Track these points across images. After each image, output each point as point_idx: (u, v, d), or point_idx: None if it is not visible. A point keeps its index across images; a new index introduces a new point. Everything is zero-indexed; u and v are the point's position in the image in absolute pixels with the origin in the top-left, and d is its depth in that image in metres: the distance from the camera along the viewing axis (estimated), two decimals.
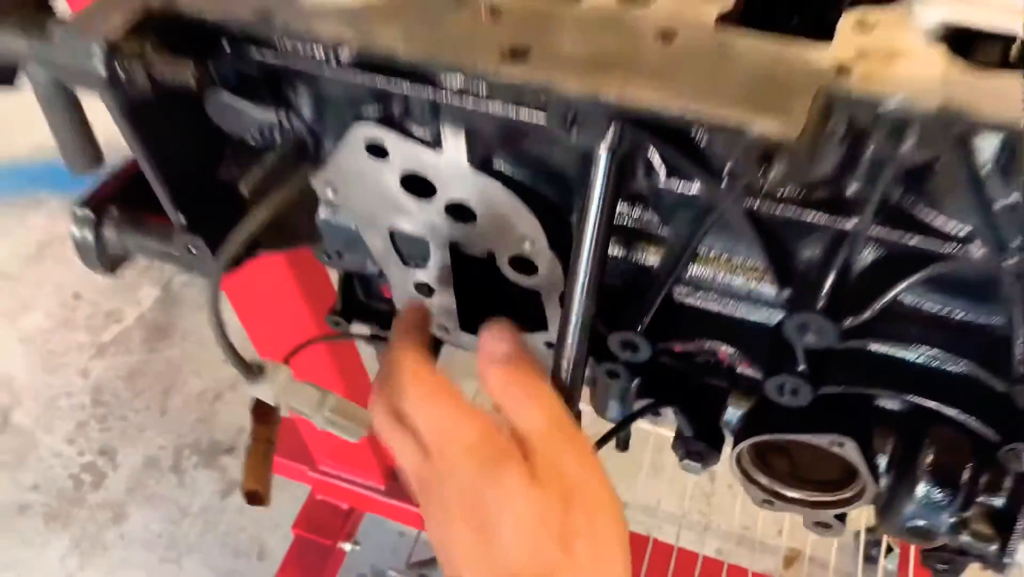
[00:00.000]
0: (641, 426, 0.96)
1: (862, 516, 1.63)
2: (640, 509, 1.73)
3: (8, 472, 1.82)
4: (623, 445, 0.89)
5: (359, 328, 0.81)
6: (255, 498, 0.69)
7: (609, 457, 1.21)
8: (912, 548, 1.50)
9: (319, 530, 1.53)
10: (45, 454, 1.84)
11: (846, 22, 0.44)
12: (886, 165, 0.44)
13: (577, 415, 0.56)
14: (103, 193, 0.64)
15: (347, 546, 1.55)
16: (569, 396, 0.54)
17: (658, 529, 1.52)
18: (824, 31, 0.44)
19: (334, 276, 0.86)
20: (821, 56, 0.42)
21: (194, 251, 0.60)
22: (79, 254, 0.64)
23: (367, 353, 1.17)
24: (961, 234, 0.47)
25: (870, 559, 1.63)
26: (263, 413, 0.71)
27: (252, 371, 0.53)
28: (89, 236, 0.62)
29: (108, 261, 0.64)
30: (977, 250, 0.46)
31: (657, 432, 1.67)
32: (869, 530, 1.64)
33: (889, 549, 1.59)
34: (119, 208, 0.63)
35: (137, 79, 0.47)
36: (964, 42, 0.43)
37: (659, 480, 1.75)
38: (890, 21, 0.44)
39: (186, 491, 1.79)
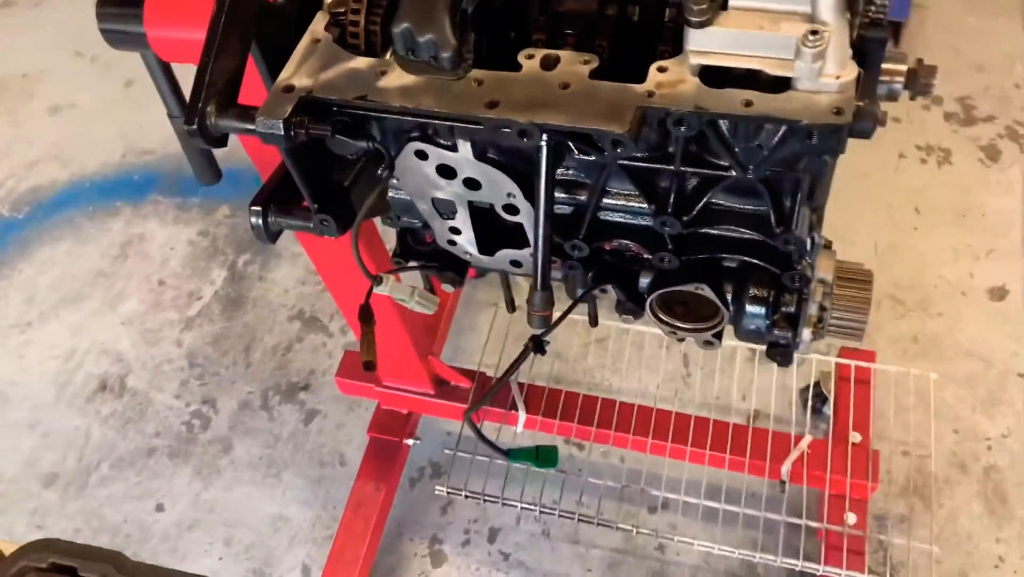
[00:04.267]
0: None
1: (811, 376, 2.08)
2: (636, 393, 2.20)
3: (133, 425, 2.29)
4: (593, 321, 1.35)
5: (411, 263, 1.27)
6: (370, 366, 1.13)
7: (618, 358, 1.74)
8: (851, 398, 1.96)
9: (388, 431, 2.00)
10: (160, 408, 2.31)
11: (652, 69, 0.88)
12: (678, 137, 0.88)
13: (550, 294, 1.01)
14: (261, 197, 1.09)
15: (410, 441, 2.03)
16: (545, 284, 0.99)
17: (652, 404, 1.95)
18: (642, 75, 0.88)
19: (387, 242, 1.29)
20: (639, 89, 0.87)
21: (324, 223, 1.05)
22: (255, 234, 1.08)
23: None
24: (725, 164, 0.91)
25: (815, 410, 2.09)
26: (366, 316, 1.15)
27: (377, 280, 0.99)
28: (260, 222, 1.07)
29: (272, 236, 1.08)
30: (734, 172, 0.91)
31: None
32: (816, 384, 2.08)
33: (824, 399, 2.05)
34: (274, 204, 1.08)
35: (299, 136, 0.92)
36: (712, 72, 0.87)
37: (649, 372, 2.22)
38: (675, 66, 0.88)
39: (275, 423, 2.26)
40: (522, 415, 1.86)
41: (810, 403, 2.07)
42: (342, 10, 0.99)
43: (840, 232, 2.43)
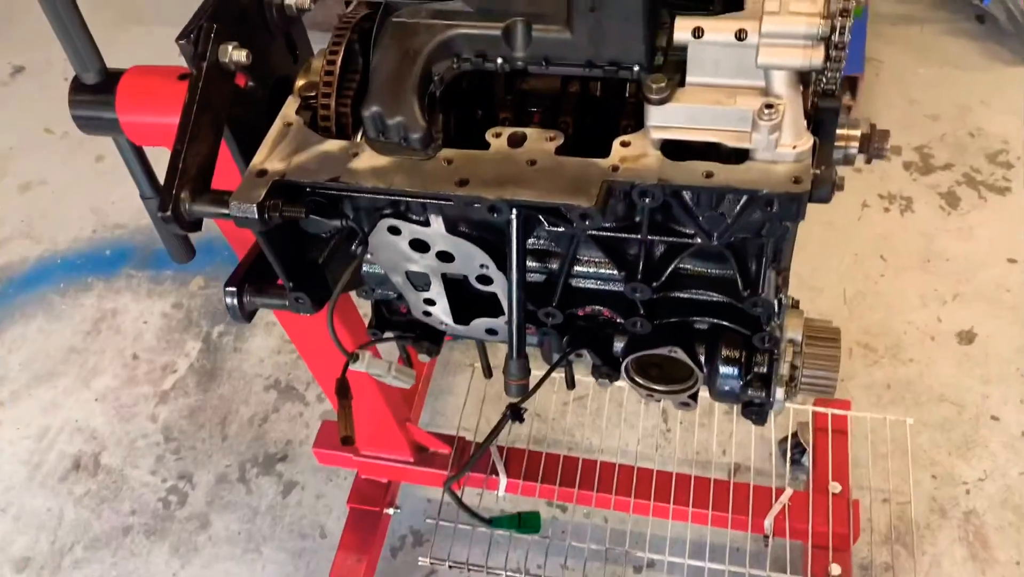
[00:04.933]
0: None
1: (788, 427, 2.10)
2: (616, 451, 2.20)
3: (108, 504, 2.25)
4: (570, 383, 1.36)
5: (387, 334, 1.27)
6: (348, 441, 1.13)
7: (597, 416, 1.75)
8: (829, 448, 1.97)
9: (367, 501, 1.98)
10: (135, 485, 2.27)
11: (616, 144, 0.90)
12: (643, 208, 0.91)
13: (525, 362, 1.02)
14: (236, 277, 1.10)
15: (390, 511, 2.01)
16: (520, 352, 1.00)
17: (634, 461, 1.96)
18: (606, 148, 0.91)
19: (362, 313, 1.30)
20: (604, 163, 0.89)
21: (299, 301, 1.06)
22: (230, 314, 1.09)
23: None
24: (691, 232, 0.94)
25: (794, 461, 2.10)
26: (343, 390, 1.15)
27: (354, 357, 0.99)
28: (235, 302, 1.08)
29: (247, 315, 1.09)
30: (700, 239, 0.94)
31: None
32: (794, 435, 2.09)
33: (803, 450, 2.06)
34: (249, 283, 1.09)
35: (273, 219, 0.93)
36: (673, 145, 0.90)
37: (628, 429, 2.22)
38: (637, 140, 0.91)
39: (253, 496, 2.23)
40: (503, 479, 1.85)
41: (789, 454, 2.09)
42: (312, 94, 1.01)
43: (809, 281, 2.49)
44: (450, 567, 1.80)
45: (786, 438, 2.09)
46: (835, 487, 1.85)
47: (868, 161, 0.99)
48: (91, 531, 2.20)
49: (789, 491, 1.81)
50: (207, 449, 2.32)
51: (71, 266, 2.75)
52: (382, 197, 0.95)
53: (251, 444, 2.32)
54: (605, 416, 2.22)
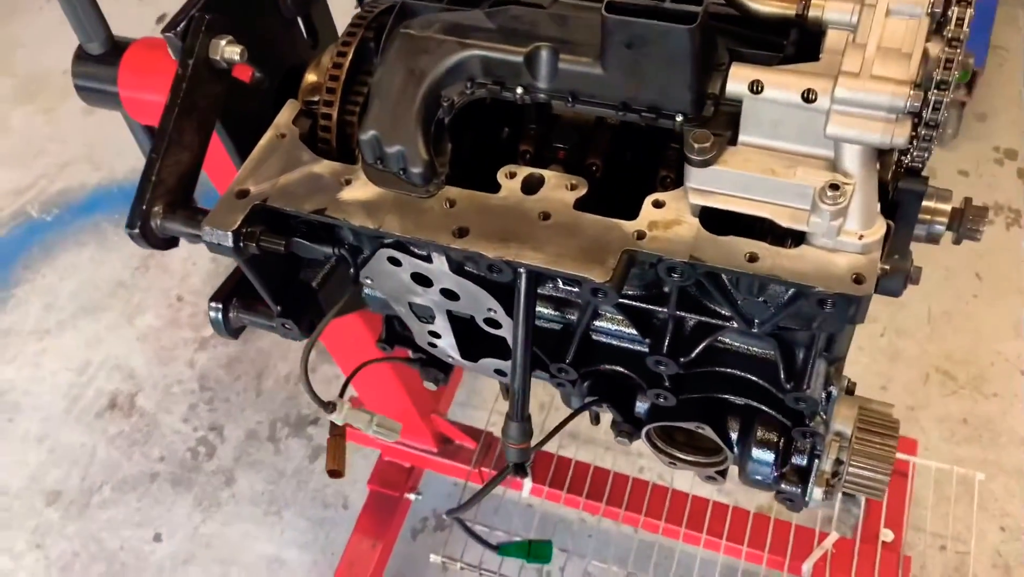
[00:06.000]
0: None
1: None
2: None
3: (139, 447, 2.24)
4: (595, 420, 1.23)
5: (399, 351, 1.16)
6: (335, 474, 1.04)
7: None
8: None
9: (388, 485, 1.91)
10: (167, 432, 2.26)
11: (647, 202, 0.76)
12: (670, 285, 0.76)
13: (527, 426, 0.90)
14: (223, 291, 1.00)
15: (412, 496, 1.94)
16: (522, 405, 0.88)
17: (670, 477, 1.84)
18: (637, 200, 0.76)
19: None
20: (629, 227, 0.75)
21: (287, 327, 0.95)
22: (214, 328, 0.99)
23: None
24: (727, 313, 0.79)
25: (846, 494, 1.94)
26: (335, 426, 1.06)
27: (328, 407, 0.89)
28: (219, 317, 0.98)
29: (233, 332, 0.99)
30: (737, 324, 0.79)
31: None
32: None
33: None
34: (237, 299, 0.99)
35: (250, 248, 0.82)
36: (715, 212, 0.75)
37: None
38: (673, 202, 0.76)
39: (281, 457, 2.19)
40: (528, 482, 1.75)
41: None
42: (316, 99, 0.89)
43: None
44: (461, 568, 1.72)
45: None
46: (887, 535, 1.70)
47: (957, 241, 0.82)
48: (120, 472, 2.21)
49: (834, 536, 1.66)
50: (240, 403, 2.29)
51: (128, 196, 2.69)
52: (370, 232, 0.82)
53: (284, 403, 2.28)
54: None
